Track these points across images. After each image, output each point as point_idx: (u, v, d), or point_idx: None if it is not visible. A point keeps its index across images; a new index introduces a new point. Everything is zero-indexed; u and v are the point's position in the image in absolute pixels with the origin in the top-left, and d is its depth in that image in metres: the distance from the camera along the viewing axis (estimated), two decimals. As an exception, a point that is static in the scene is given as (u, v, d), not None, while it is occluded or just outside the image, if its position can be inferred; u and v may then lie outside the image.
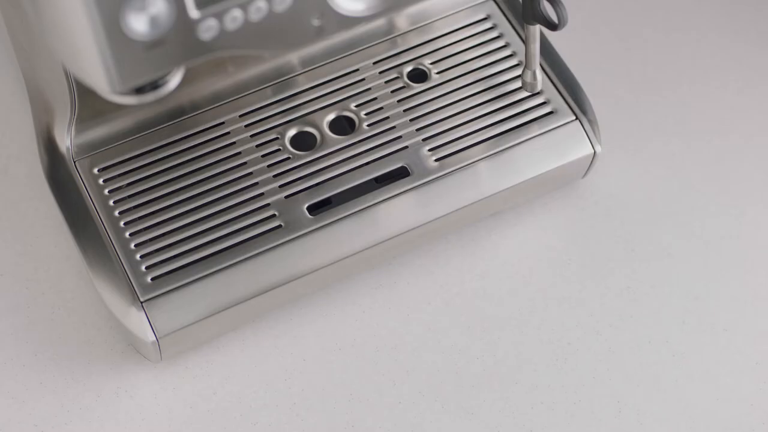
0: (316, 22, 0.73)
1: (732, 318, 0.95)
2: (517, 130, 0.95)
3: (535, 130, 0.95)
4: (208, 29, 0.69)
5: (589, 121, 0.97)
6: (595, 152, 0.96)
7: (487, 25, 1.00)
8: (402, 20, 0.99)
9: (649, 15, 1.10)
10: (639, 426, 0.90)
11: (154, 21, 0.67)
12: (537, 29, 0.92)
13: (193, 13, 0.68)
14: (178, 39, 0.68)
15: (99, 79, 0.69)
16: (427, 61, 0.98)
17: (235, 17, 0.69)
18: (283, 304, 0.93)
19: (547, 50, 1.00)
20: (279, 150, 0.94)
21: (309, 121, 0.95)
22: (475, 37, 0.99)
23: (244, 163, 0.93)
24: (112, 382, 0.92)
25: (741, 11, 1.10)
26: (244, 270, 0.90)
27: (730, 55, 1.08)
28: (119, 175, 0.93)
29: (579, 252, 0.98)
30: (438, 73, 0.98)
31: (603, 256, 0.98)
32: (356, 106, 0.96)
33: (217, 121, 0.95)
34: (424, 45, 0.99)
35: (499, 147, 0.95)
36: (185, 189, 0.92)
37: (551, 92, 0.97)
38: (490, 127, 0.95)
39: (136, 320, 0.88)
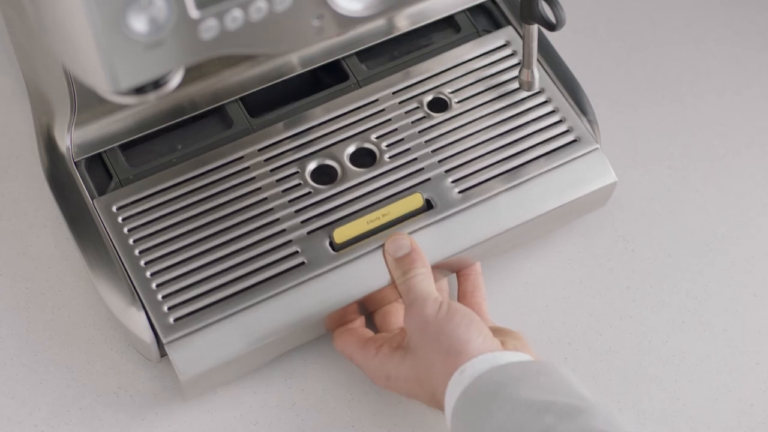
0: (316, 23, 0.73)
1: (732, 318, 0.95)
2: (540, 159, 0.94)
3: (558, 159, 0.94)
4: (208, 29, 0.69)
5: (589, 121, 0.97)
6: (616, 181, 0.94)
7: (507, 51, 0.98)
8: (402, 20, 0.99)
9: (649, 15, 1.10)
10: (639, 426, 0.90)
11: (154, 21, 0.67)
12: (535, 29, 0.92)
13: (193, 13, 0.68)
14: (178, 39, 0.68)
15: (99, 79, 0.69)
16: (446, 90, 0.96)
17: (235, 17, 0.69)
18: (308, 341, 0.92)
19: (547, 50, 1.00)
20: (300, 184, 0.92)
21: (329, 153, 0.94)
22: (494, 64, 0.98)
23: (265, 198, 0.92)
24: (112, 382, 0.92)
25: (741, 11, 1.10)
26: (268, 309, 0.88)
27: (730, 55, 1.08)
28: (138, 213, 0.91)
29: (579, 252, 0.98)
30: (458, 102, 0.96)
31: (603, 256, 0.98)
32: (377, 138, 0.94)
33: (236, 156, 0.93)
34: (443, 73, 0.97)
35: (522, 177, 0.93)
36: (205, 227, 0.90)
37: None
38: (512, 158, 0.94)
39: (135, 320, 0.88)
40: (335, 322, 0.90)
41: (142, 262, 0.89)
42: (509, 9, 1.01)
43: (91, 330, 0.94)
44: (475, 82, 0.97)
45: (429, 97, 0.96)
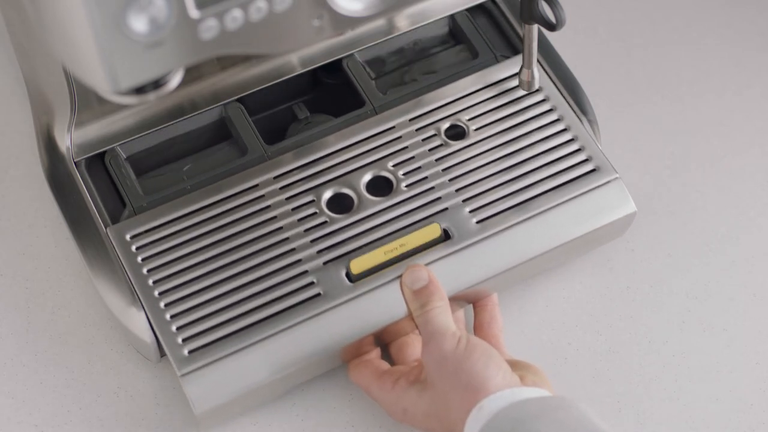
0: (316, 23, 0.73)
1: (732, 318, 0.95)
2: (559, 189, 0.92)
3: (578, 188, 0.92)
4: (208, 29, 0.69)
5: (589, 121, 0.97)
6: (635, 211, 0.93)
7: None
8: (402, 20, 0.99)
9: (649, 15, 1.10)
10: (639, 426, 0.90)
11: (154, 21, 0.67)
12: (535, 29, 0.92)
13: (193, 13, 0.68)
14: (178, 39, 0.68)
15: (99, 79, 0.69)
16: (464, 117, 0.95)
17: (235, 17, 0.69)
18: (324, 373, 0.91)
19: (547, 50, 1.00)
20: (315, 213, 0.91)
21: (345, 182, 0.92)
22: (512, 91, 0.96)
23: (280, 227, 0.90)
24: (112, 382, 0.92)
25: (741, 11, 1.10)
26: (284, 341, 0.87)
27: (730, 55, 1.08)
28: (152, 242, 0.90)
29: (579, 252, 0.97)
30: (476, 129, 0.94)
31: (603, 256, 0.97)
32: (393, 166, 0.93)
33: (251, 184, 0.92)
34: (460, 100, 0.96)
35: (541, 207, 0.91)
36: (220, 256, 0.89)
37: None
38: (531, 187, 0.92)
39: (135, 320, 0.88)
40: (351, 353, 0.89)
41: (156, 293, 0.88)
42: (509, 9, 1.01)
43: (91, 330, 0.94)
44: (493, 109, 0.96)
45: (446, 125, 0.95)
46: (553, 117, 0.96)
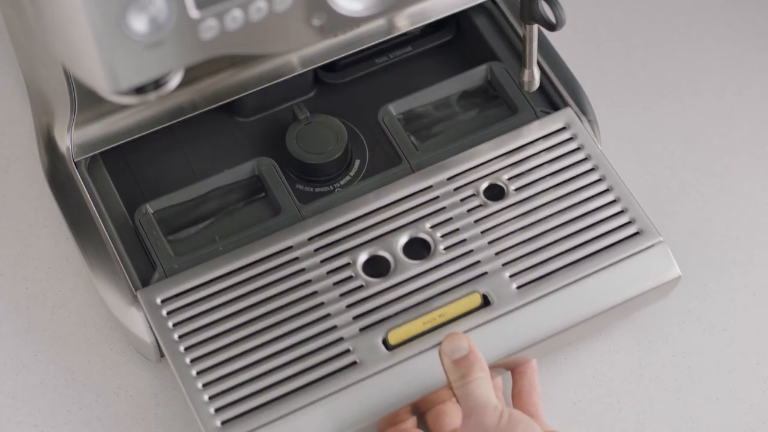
0: (316, 23, 0.73)
1: (732, 318, 0.95)
2: (602, 252, 0.90)
3: (620, 252, 0.90)
4: (208, 29, 0.69)
5: (590, 122, 0.97)
6: (680, 275, 0.90)
7: (566, 135, 0.94)
8: (402, 20, 0.99)
9: (649, 15, 1.10)
10: (639, 426, 0.90)
11: (154, 21, 0.67)
12: (535, 29, 0.92)
13: (193, 13, 0.68)
14: (178, 39, 0.68)
15: (99, 79, 0.69)
16: (504, 177, 0.92)
17: (235, 17, 0.69)
18: None
19: (547, 50, 1.00)
20: (351, 277, 0.88)
21: (381, 244, 0.90)
22: (553, 149, 0.94)
23: (315, 292, 0.88)
24: (112, 382, 0.92)
25: (741, 11, 1.10)
26: (318, 412, 0.84)
27: (730, 55, 1.08)
28: (184, 307, 0.87)
29: (579, 252, 0.98)
30: (516, 189, 0.92)
31: (603, 256, 0.98)
32: (431, 227, 0.90)
33: (285, 246, 0.89)
34: (499, 158, 0.93)
35: (583, 272, 0.89)
36: (253, 322, 0.87)
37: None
38: (573, 251, 0.90)
39: (135, 320, 0.88)
40: (386, 422, 0.86)
41: (187, 360, 0.86)
42: (509, 9, 1.01)
43: (91, 330, 0.94)
44: (534, 168, 0.93)
45: (485, 184, 0.92)
46: (595, 177, 0.93)
